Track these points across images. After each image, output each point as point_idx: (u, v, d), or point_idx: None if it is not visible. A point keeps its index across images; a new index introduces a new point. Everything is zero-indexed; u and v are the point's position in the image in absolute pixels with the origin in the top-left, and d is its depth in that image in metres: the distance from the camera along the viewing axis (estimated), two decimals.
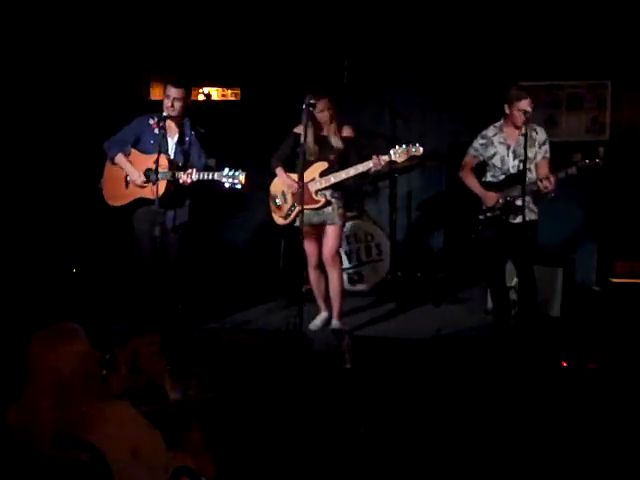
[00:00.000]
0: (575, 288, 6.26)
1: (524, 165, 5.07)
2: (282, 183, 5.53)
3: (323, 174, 5.39)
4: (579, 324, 5.84)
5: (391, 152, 5.22)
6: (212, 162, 5.49)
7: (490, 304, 6.05)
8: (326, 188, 5.41)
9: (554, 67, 7.18)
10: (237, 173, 5.12)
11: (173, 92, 5.23)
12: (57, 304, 6.00)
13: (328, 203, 5.44)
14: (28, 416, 2.30)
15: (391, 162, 5.34)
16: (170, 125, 5.30)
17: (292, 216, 5.51)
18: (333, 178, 5.35)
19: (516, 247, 5.28)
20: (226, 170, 5.12)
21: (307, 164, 5.29)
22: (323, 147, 5.39)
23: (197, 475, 2.51)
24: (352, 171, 5.29)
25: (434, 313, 6.29)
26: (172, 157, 5.30)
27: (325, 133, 5.41)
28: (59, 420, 2.27)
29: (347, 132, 5.44)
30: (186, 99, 5.31)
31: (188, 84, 5.38)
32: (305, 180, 5.26)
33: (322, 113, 5.31)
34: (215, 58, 7.57)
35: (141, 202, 5.35)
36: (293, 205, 5.48)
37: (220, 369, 4.68)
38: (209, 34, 7.44)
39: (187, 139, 5.39)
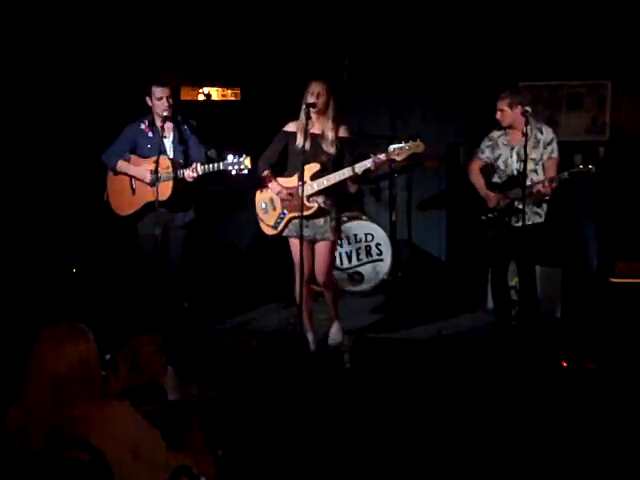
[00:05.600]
0: (575, 288, 6.26)
1: (524, 167, 5.03)
2: (270, 188, 5.13)
3: (315, 177, 4.92)
4: (579, 324, 5.84)
5: (390, 149, 4.81)
6: (213, 153, 5.38)
7: (490, 304, 6.06)
8: (319, 193, 4.96)
9: (554, 67, 7.19)
10: (242, 159, 4.98)
11: (164, 91, 5.17)
12: (57, 304, 6.00)
13: (321, 211, 4.98)
14: (27, 416, 2.30)
15: (390, 160, 4.94)
16: (162, 126, 5.25)
17: (282, 225, 5.10)
18: (326, 181, 4.89)
19: (519, 249, 5.23)
20: (230, 158, 5.00)
21: (297, 165, 4.90)
22: (315, 147, 4.95)
23: (197, 475, 2.51)
24: (347, 172, 4.85)
25: (434, 313, 6.29)
26: (172, 157, 5.27)
27: (318, 131, 4.97)
28: (58, 419, 2.27)
29: (343, 132, 4.99)
30: (171, 97, 5.29)
31: (170, 82, 5.36)
32: (294, 185, 4.96)
33: (318, 99, 4.87)
34: (215, 58, 7.57)
35: (149, 208, 5.22)
36: (282, 213, 5.09)
37: (221, 369, 4.69)
38: (209, 34, 7.44)
39: (181, 135, 5.34)
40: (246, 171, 5.02)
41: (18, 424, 2.31)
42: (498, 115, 5.19)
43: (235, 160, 5.00)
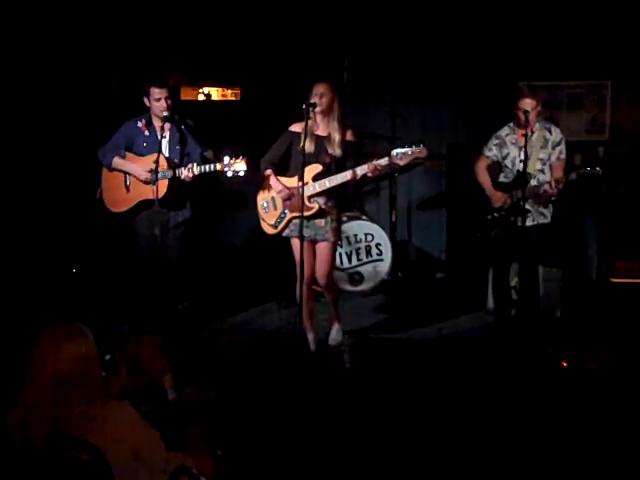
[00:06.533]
0: (575, 288, 6.26)
1: (524, 167, 5.02)
2: (272, 188, 5.13)
3: (317, 178, 4.92)
4: (579, 324, 5.84)
5: (393, 153, 4.81)
6: (210, 153, 5.37)
7: (490, 304, 6.07)
8: (320, 194, 4.96)
9: (554, 67, 7.18)
10: (238, 160, 4.99)
11: (162, 92, 5.17)
12: (57, 304, 5.99)
13: (322, 212, 4.98)
14: (27, 416, 2.30)
15: (392, 164, 4.92)
16: (159, 126, 5.25)
17: (282, 224, 5.10)
18: (328, 182, 4.89)
19: (522, 249, 5.21)
20: (226, 159, 5.02)
21: (300, 166, 4.83)
22: (319, 148, 4.94)
23: (196, 475, 2.51)
24: (349, 175, 4.85)
25: (434, 313, 6.28)
26: (167, 155, 5.27)
27: (323, 133, 4.97)
28: (58, 419, 2.27)
29: (350, 136, 5.00)
30: (170, 97, 5.29)
31: (168, 83, 5.35)
32: (296, 185, 4.93)
33: (322, 99, 4.85)
34: (215, 58, 7.57)
35: (143, 206, 5.27)
36: (283, 212, 5.09)
37: (220, 369, 4.69)
38: (209, 34, 7.44)
39: (178, 135, 5.35)
40: (242, 173, 5.04)
41: (18, 424, 2.31)
42: (523, 119, 5.03)
43: (231, 162, 5.02)
